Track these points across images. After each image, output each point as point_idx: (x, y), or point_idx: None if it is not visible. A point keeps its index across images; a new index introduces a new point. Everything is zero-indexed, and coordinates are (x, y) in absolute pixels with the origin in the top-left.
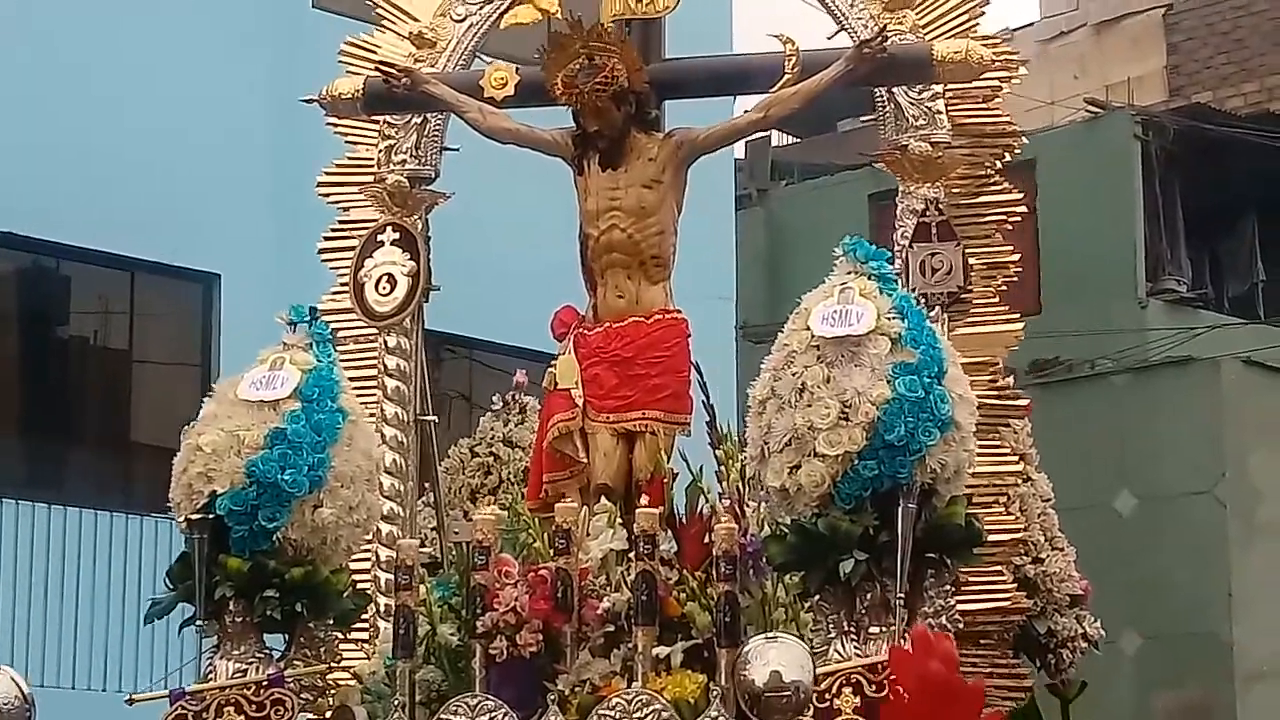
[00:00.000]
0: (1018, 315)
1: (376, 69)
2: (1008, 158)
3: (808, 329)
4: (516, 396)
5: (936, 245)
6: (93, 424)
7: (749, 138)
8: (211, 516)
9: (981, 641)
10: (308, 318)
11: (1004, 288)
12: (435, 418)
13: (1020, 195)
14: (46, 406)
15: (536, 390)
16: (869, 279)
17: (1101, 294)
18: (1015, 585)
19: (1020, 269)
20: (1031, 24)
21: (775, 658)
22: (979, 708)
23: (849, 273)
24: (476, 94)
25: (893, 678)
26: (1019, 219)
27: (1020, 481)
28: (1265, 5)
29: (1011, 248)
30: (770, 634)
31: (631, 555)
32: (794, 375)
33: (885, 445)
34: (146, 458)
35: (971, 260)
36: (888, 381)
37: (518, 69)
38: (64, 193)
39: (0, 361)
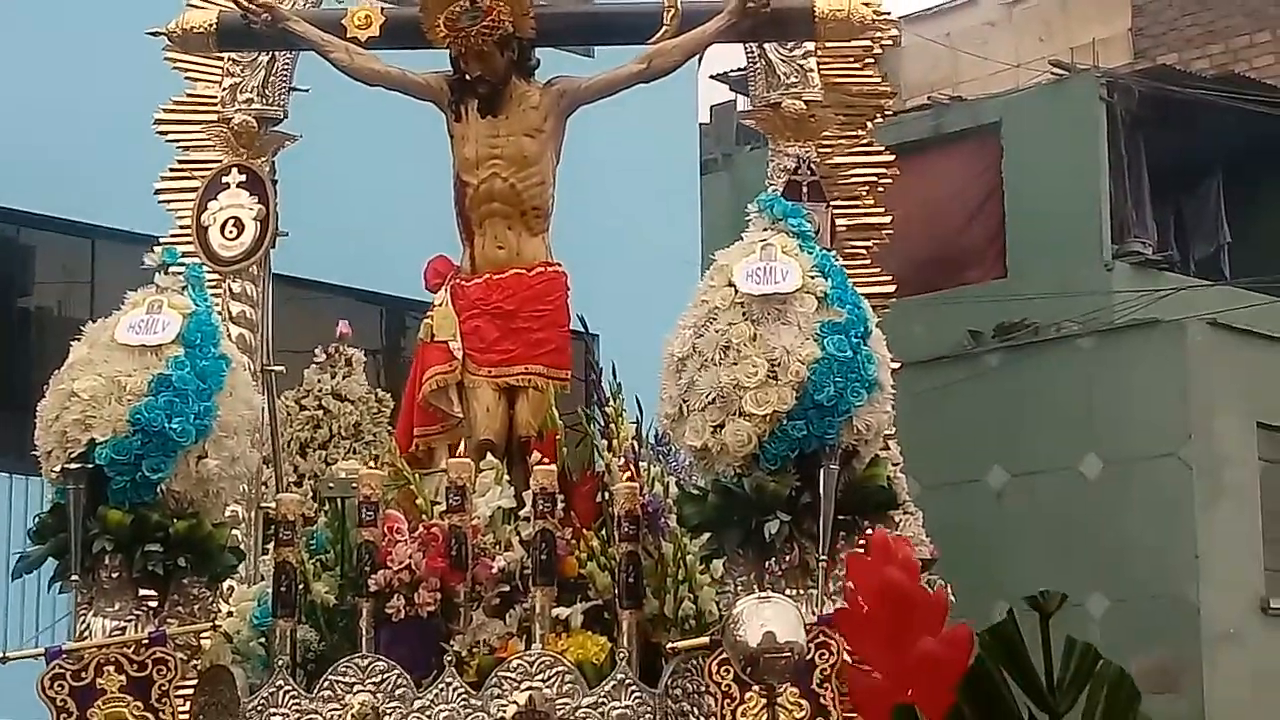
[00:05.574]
0: (890, 278)
1: (235, 3)
2: (879, 119)
3: (731, 285)
4: (340, 348)
5: (805, 205)
6: None
7: (629, 88)
8: (89, 466)
9: None
10: (180, 259)
11: (875, 249)
12: (281, 368)
13: (891, 158)
14: (9, 378)
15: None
16: (789, 236)
17: (1067, 257)
18: None
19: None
20: None
21: (770, 617)
22: (942, 618)
23: (766, 229)
24: (339, 33)
25: (850, 585)
26: (890, 181)
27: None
28: None
29: (883, 210)
30: (762, 594)
31: (519, 513)
32: (718, 332)
33: (814, 405)
34: None
35: (842, 222)
36: (816, 340)
37: (383, 9)
38: (23, 161)
39: None
